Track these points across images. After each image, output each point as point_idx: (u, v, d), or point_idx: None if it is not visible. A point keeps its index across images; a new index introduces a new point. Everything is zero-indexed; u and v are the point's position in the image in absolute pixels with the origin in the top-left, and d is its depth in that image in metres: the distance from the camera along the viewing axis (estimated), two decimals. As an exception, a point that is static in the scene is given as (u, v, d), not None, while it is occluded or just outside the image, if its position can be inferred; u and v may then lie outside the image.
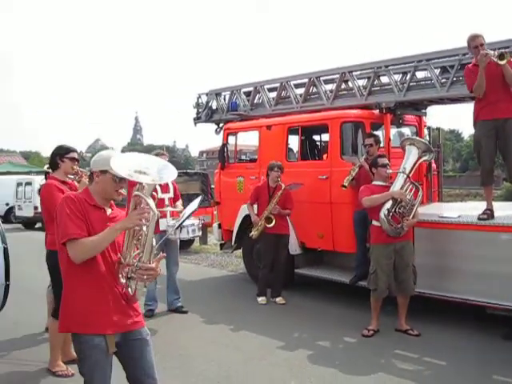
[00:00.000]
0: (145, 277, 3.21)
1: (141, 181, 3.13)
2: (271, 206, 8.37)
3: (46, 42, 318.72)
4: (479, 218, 6.75)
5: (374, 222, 6.82)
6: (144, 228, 3.18)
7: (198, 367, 5.82)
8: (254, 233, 8.60)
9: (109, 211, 3.49)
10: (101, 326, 3.29)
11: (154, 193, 4.87)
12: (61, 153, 5.75)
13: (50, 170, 5.91)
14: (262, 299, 8.60)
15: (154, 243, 3.23)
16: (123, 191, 3.47)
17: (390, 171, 6.97)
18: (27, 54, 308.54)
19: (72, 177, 5.87)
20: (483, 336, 6.67)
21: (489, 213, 6.78)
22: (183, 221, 5.24)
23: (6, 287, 4.28)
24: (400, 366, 5.85)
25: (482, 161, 6.94)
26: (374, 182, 7.00)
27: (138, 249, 3.25)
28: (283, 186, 8.41)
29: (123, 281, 3.34)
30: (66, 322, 3.37)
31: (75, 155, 5.86)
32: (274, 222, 8.37)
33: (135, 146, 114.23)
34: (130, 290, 3.35)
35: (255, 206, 8.73)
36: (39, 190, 5.97)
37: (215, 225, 10.95)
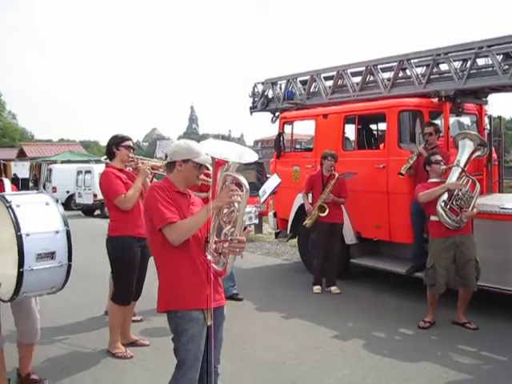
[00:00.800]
0: (237, 250, 3.40)
1: (227, 159, 3.35)
2: (325, 195, 8.35)
3: (104, 34, 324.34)
4: None
5: (432, 218, 6.69)
6: (236, 205, 3.39)
7: (253, 354, 5.87)
8: (307, 221, 8.61)
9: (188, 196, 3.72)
10: (200, 300, 3.50)
11: (204, 179, 4.98)
12: (116, 142, 5.89)
13: (108, 160, 6.04)
14: (316, 288, 8.59)
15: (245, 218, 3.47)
16: (202, 177, 3.68)
17: (444, 167, 6.84)
18: (86, 47, 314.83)
19: (129, 166, 5.97)
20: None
21: None
22: (271, 192, 5.33)
23: (69, 267, 4.49)
24: (457, 360, 5.76)
25: None
26: (430, 180, 6.89)
27: (228, 225, 3.43)
28: (337, 175, 8.38)
29: (210, 257, 3.52)
30: (165, 301, 3.56)
31: (130, 143, 5.97)
32: (327, 211, 8.35)
33: (190, 135, 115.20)
34: (218, 265, 3.54)
35: (309, 195, 8.72)
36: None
37: (270, 213, 10.97)
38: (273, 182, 8.46)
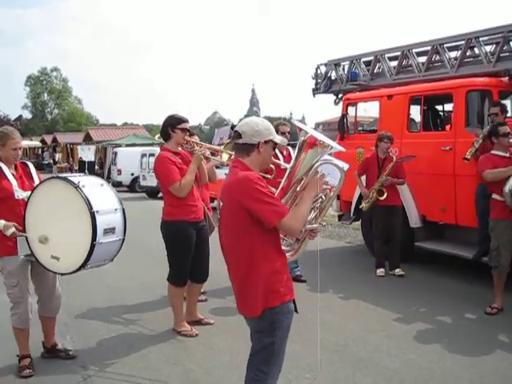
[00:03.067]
0: (316, 235, 3.43)
1: (330, 144, 3.30)
2: (382, 179, 8.25)
3: (165, 17, 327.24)
4: None
5: (496, 196, 6.49)
6: (328, 192, 3.39)
7: (316, 335, 5.85)
8: (364, 205, 8.56)
9: None
10: (292, 291, 3.38)
11: (275, 162, 4.96)
12: (172, 123, 5.77)
13: (162, 140, 6.00)
14: (380, 271, 8.52)
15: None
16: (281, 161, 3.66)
17: None
18: (147, 32, 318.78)
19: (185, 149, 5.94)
20: None
21: None
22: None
23: (123, 241, 5.07)
24: (526, 346, 5.62)
25: None
26: (494, 152, 6.68)
27: (313, 211, 3.41)
28: (394, 158, 8.25)
29: (285, 247, 3.52)
30: (263, 299, 3.27)
31: (187, 126, 5.82)
32: (385, 194, 8.25)
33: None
34: (290, 252, 3.55)
35: (363, 178, 8.62)
36: None
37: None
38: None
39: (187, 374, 5.02)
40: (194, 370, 5.08)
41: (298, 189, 3.37)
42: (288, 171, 3.45)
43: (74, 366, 5.19)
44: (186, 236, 5.81)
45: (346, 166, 3.70)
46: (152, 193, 23.77)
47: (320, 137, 3.27)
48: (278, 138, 3.46)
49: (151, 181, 23.13)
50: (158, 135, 6.17)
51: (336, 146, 3.39)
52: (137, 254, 9.75)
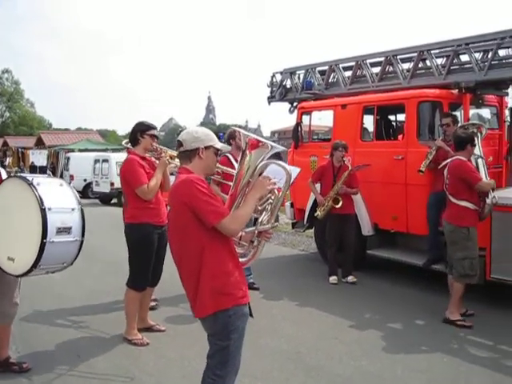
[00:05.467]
0: (270, 237, 3.43)
1: (270, 144, 3.37)
2: (338, 187, 8.33)
3: (120, 19, 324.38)
4: None
5: (469, 205, 6.44)
6: (276, 192, 3.41)
7: (268, 343, 5.88)
8: (319, 213, 8.59)
9: None
10: (246, 295, 3.43)
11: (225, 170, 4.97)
12: (142, 129, 5.89)
13: (130, 145, 6.07)
14: (333, 279, 8.58)
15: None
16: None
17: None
18: (103, 35, 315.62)
19: (151, 156, 6.02)
20: None
21: None
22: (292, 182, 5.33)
23: (81, 243, 4.87)
24: (474, 353, 5.74)
25: None
26: (464, 158, 6.58)
27: (262, 212, 3.44)
28: (350, 166, 8.34)
29: (240, 250, 3.54)
30: (213, 301, 3.29)
31: (155, 132, 5.98)
32: (341, 202, 8.33)
33: (208, 125, 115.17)
34: (246, 256, 3.56)
35: (318, 186, 8.70)
36: None
37: (287, 204, 10.93)
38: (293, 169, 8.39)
39: None
40: (144, 380, 5.00)
41: (246, 191, 3.41)
42: (235, 177, 3.53)
43: (20, 377, 5.01)
44: (150, 239, 5.81)
45: (297, 169, 3.81)
46: (105, 199, 23.47)
47: (260, 139, 3.39)
48: (221, 145, 3.58)
49: (104, 187, 22.85)
50: (127, 140, 6.25)
51: (277, 146, 3.41)
52: (88, 261, 9.62)
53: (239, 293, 3.35)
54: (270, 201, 3.44)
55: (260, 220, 3.43)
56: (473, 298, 6.71)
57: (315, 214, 8.73)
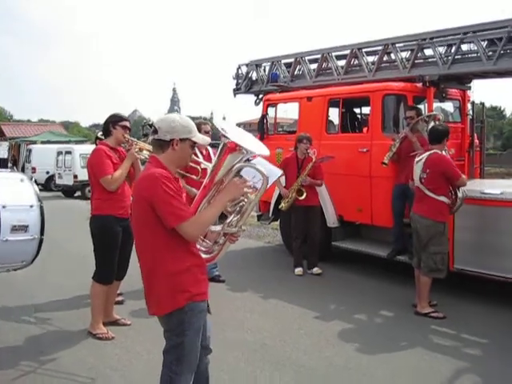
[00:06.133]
0: (237, 239, 3.34)
1: (251, 150, 3.19)
2: (302, 179, 8.36)
3: (84, 10, 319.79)
4: None
5: (444, 199, 6.51)
6: (250, 196, 3.26)
7: (234, 335, 5.88)
8: (283, 205, 8.61)
9: None
10: (205, 292, 3.36)
11: (196, 161, 4.92)
12: (114, 120, 5.88)
13: (103, 137, 6.06)
14: (298, 270, 8.62)
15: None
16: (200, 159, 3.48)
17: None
18: (67, 24, 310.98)
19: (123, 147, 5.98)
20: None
21: None
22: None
23: (40, 241, 4.76)
24: (437, 342, 5.83)
25: None
26: (443, 153, 6.69)
27: (232, 214, 3.32)
28: (314, 158, 8.38)
29: (202, 247, 3.44)
30: (169, 299, 3.25)
31: (127, 124, 5.95)
32: (305, 194, 8.36)
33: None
34: (211, 254, 3.46)
35: (282, 178, 8.70)
36: None
37: (252, 196, 10.90)
38: (272, 169, 8.35)
39: (103, 379, 4.88)
40: (109, 374, 4.95)
41: (220, 188, 3.30)
42: (210, 170, 3.38)
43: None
44: (113, 232, 5.76)
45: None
46: (68, 192, 23.14)
47: (241, 142, 3.18)
48: (200, 138, 3.40)
49: (67, 179, 22.54)
50: (101, 132, 6.23)
51: (256, 152, 3.23)
52: (53, 256, 9.48)
53: (196, 290, 3.28)
54: (242, 203, 3.30)
55: (228, 221, 3.32)
56: (435, 289, 6.79)
57: (279, 206, 8.76)
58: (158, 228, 3.17)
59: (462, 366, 5.24)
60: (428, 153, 6.63)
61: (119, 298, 6.84)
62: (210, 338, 3.62)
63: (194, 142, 3.35)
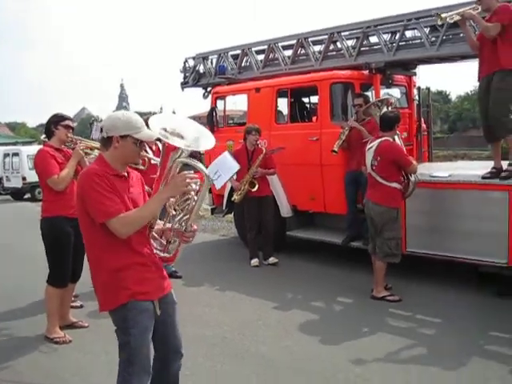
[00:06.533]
0: (190, 239, 3.27)
1: (176, 145, 3.06)
2: (253, 170, 8.36)
3: (31, 7, 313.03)
4: (483, 177, 6.70)
5: (396, 185, 6.59)
6: (193, 193, 3.16)
7: (193, 330, 5.84)
8: (236, 197, 8.60)
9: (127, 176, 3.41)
10: (150, 291, 3.30)
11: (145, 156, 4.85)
12: (55, 120, 5.76)
13: (47, 139, 5.90)
14: (254, 261, 8.64)
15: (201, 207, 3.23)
16: (150, 155, 3.39)
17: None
18: (16, 20, 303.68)
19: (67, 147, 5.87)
20: (476, 294, 6.75)
21: (494, 171, 6.69)
22: (229, 178, 5.05)
23: None
24: (394, 324, 5.93)
25: (481, 119, 6.99)
26: (391, 139, 6.71)
27: (181, 212, 3.25)
28: (264, 149, 8.40)
29: (155, 244, 3.40)
30: (111, 297, 3.25)
31: (70, 123, 5.83)
32: (257, 186, 8.38)
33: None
34: (167, 252, 3.41)
35: None
36: None
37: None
38: (228, 164, 8.35)
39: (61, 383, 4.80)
40: (68, 379, 4.87)
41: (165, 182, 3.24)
42: (159, 163, 3.31)
43: None
44: (64, 233, 5.65)
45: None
46: (17, 194, 22.65)
47: (175, 144, 3.06)
48: (145, 134, 3.27)
49: (16, 182, 22.08)
50: (44, 135, 6.06)
51: (189, 149, 3.13)
52: (5, 261, 9.29)
53: (139, 288, 3.24)
54: (189, 202, 3.22)
55: (177, 219, 3.26)
56: (390, 273, 6.90)
57: (232, 199, 8.75)
58: (95, 226, 3.16)
59: (418, 345, 5.35)
60: (379, 140, 6.69)
61: (77, 303, 6.73)
62: (181, 342, 3.59)
63: (137, 139, 3.25)
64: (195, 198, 3.17)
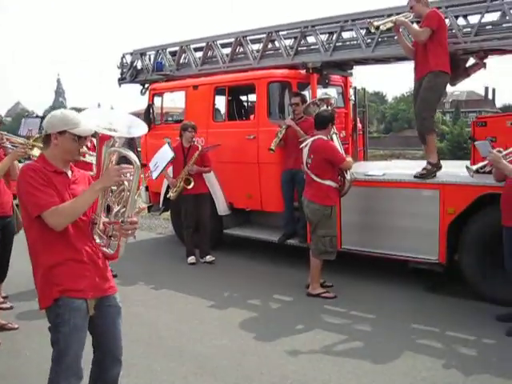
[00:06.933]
0: (129, 232, 3.22)
1: (112, 134, 3.14)
2: (189, 168, 8.33)
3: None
4: (415, 176, 6.88)
5: (331, 183, 6.68)
6: (126, 183, 3.16)
7: (129, 330, 5.73)
8: (171, 194, 8.55)
9: (69, 173, 3.38)
10: (83, 289, 3.25)
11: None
12: None
13: None
14: (191, 259, 8.60)
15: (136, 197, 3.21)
16: (84, 150, 3.39)
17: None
18: None
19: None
20: (407, 289, 6.95)
21: (427, 169, 6.87)
22: (164, 167, 5.09)
23: None
24: (328, 320, 6.04)
25: (415, 119, 7.20)
26: (325, 137, 6.76)
27: (118, 205, 3.25)
28: (200, 147, 8.39)
29: (99, 241, 3.37)
30: (47, 294, 3.22)
31: None
32: (192, 183, 8.35)
33: (58, 109, 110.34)
34: (110, 248, 3.39)
35: (170, 168, 8.64)
36: None
37: (142, 187, 10.74)
38: (165, 154, 8.27)
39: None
40: (-2, 383, 4.73)
41: None
42: (95, 162, 3.38)
43: None
44: None
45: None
46: None
47: (107, 133, 3.16)
48: (81, 129, 3.26)
49: None
50: None
51: (122, 136, 3.20)
52: None
53: (71, 285, 3.22)
54: (124, 193, 3.23)
55: (114, 212, 3.28)
56: (328, 270, 7.00)
57: (167, 196, 8.70)
58: (34, 221, 3.17)
59: (352, 341, 5.47)
60: (312, 138, 6.79)
61: (7, 305, 6.51)
62: (120, 350, 3.56)
63: (75, 134, 3.25)
64: (128, 187, 3.18)
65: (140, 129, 3.31)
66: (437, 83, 6.67)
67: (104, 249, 3.38)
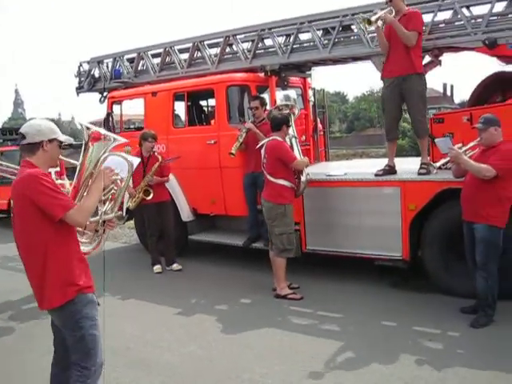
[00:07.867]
0: (115, 226, 3.72)
1: (102, 132, 3.61)
2: (148, 179, 8.27)
3: None
4: (376, 174, 6.98)
5: (285, 183, 6.77)
6: (119, 182, 3.63)
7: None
8: (130, 204, 8.38)
9: None
10: (91, 285, 3.58)
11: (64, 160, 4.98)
12: None
13: None
14: (156, 268, 8.55)
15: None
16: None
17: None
18: None
19: None
20: (373, 287, 7.03)
21: (386, 169, 6.99)
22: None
23: None
24: (295, 322, 6.06)
25: (385, 117, 7.35)
26: (282, 140, 6.89)
27: (106, 202, 3.63)
28: (160, 158, 8.34)
29: (84, 239, 3.74)
30: (62, 293, 3.41)
31: None
32: (151, 194, 8.30)
33: (17, 120, 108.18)
34: (91, 245, 3.79)
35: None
36: None
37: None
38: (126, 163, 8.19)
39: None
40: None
41: (89, 183, 3.57)
42: (78, 168, 3.70)
43: None
44: None
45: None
46: None
47: (103, 131, 3.62)
48: (63, 137, 3.62)
49: None
50: None
51: (119, 139, 3.64)
52: None
53: (84, 283, 3.48)
54: (113, 191, 3.67)
55: (104, 210, 3.62)
56: (293, 271, 7.03)
57: (126, 206, 8.61)
58: (44, 225, 3.35)
59: (319, 341, 5.48)
60: (267, 139, 6.93)
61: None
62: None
63: (61, 142, 3.59)
64: (115, 188, 3.66)
65: (120, 138, 3.72)
66: (424, 85, 6.95)
67: (87, 245, 3.77)
